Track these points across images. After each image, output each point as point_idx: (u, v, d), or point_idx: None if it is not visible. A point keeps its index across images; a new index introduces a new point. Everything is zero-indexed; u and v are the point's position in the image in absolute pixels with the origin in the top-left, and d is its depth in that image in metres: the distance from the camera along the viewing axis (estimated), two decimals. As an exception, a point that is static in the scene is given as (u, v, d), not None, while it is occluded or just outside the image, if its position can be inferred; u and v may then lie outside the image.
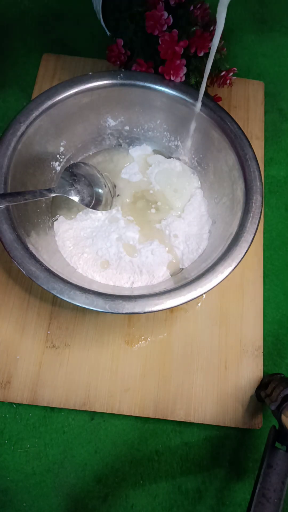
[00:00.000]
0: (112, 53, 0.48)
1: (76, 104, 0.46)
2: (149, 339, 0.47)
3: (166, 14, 0.44)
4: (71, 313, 0.47)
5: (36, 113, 0.43)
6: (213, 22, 0.47)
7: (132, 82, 0.46)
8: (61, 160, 0.50)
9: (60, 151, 0.49)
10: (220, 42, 0.49)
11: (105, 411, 0.44)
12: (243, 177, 0.43)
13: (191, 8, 0.46)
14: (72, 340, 0.46)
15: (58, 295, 0.37)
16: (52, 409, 0.45)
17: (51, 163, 0.49)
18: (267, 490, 0.36)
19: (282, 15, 0.65)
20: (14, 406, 0.45)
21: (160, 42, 0.45)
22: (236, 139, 0.44)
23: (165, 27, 0.45)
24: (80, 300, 0.37)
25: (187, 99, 0.46)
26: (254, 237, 0.41)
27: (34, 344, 0.46)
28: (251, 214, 0.41)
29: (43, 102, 0.44)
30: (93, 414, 0.45)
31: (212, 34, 0.47)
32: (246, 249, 0.40)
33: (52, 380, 0.45)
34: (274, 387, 0.42)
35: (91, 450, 0.44)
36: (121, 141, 0.53)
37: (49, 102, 0.44)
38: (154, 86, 0.46)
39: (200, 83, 0.50)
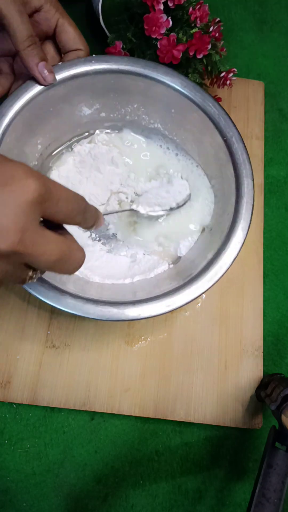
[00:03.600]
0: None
1: (49, 99, 0.43)
2: (149, 339, 0.47)
3: (164, 16, 0.44)
4: (71, 313, 0.47)
5: (8, 118, 0.40)
6: (212, 22, 0.47)
7: (105, 67, 0.43)
8: (40, 158, 0.48)
9: (38, 149, 0.47)
10: (220, 42, 0.49)
11: (105, 411, 0.44)
12: (231, 161, 0.42)
13: (190, 9, 0.46)
14: (72, 340, 0.46)
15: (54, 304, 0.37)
16: (52, 409, 0.45)
17: (32, 163, 0.47)
18: (267, 490, 0.36)
19: (282, 15, 0.65)
20: (14, 406, 0.45)
21: (158, 46, 0.45)
22: (220, 121, 0.43)
23: (163, 30, 0.45)
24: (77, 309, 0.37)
25: (163, 79, 0.43)
26: (250, 223, 0.40)
27: (34, 344, 0.46)
28: (245, 200, 0.40)
29: (14, 104, 0.40)
30: (93, 414, 0.45)
31: (211, 36, 0.47)
32: (243, 238, 0.39)
33: (52, 380, 0.45)
34: (274, 387, 0.42)
35: (91, 450, 0.44)
36: (99, 129, 0.51)
37: (20, 103, 0.41)
38: (128, 69, 0.43)
39: (201, 84, 0.50)
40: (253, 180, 0.41)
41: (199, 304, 0.49)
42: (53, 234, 0.25)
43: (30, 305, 0.47)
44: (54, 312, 0.47)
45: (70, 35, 0.40)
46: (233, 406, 0.45)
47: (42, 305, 0.47)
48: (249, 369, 0.47)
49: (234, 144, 0.42)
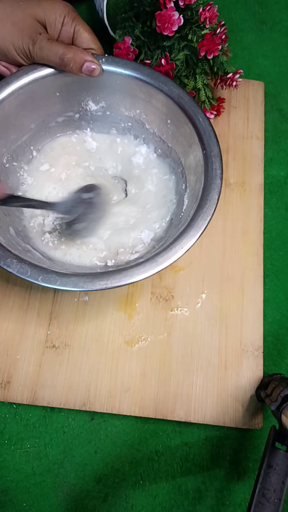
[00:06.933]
0: (119, 50, 0.48)
1: (57, 83, 0.44)
2: (149, 339, 0.47)
3: (177, 14, 0.44)
4: (71, 313, 0.47)
5: (12, 88, 0.42)
6: (218, 25, 0.47)
7: (112, 68, 0.43)
8: (36, 128, 0.47)
9: (38, 122, 0.47)
10: (224, 44, 0.49)
11: (105, 411, 0.44)
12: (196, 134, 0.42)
13: (200, 10, 0.46)
14: (72, 340, 0.46)
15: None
16: (52, 409, 0.45)
17: (24, 136, 0.46)
18: (267, 490, 0.36)
19: (282, 15, 0.65)
20: (14, 406, 0.45)
21: (165, 56, 0.45)
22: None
23: (175, 27, 0.45)
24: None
25: (163, 88, 0.44)
26: (219, 193, 0.40)
27: (34, 344, 0.46)
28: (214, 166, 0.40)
29: (21, 77, 0.42)
30: (93, 414, 0.45)
31: (220, 37, 0.47)
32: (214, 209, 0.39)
33: (52, 380, 0.45)
34: (274, 387, 0.42)
35: (91, 450, 0.44)
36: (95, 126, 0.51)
37: (28, 78, 0.42)
38: (134, 75, 0.44)
39: (207, 85, 0.50)
40: (219, 150, 0.41)
41: (199, 304, 0.49)
42: None
43: (30, 305, 0.47)
44: (54, 312, 0.47)
45: (85, 38, 0.43)
46: (233, 406, 0.45)
47: (42, 305, 0.47)
48: (249, 369, 0.47)
49: (200, 121, 0.42)
